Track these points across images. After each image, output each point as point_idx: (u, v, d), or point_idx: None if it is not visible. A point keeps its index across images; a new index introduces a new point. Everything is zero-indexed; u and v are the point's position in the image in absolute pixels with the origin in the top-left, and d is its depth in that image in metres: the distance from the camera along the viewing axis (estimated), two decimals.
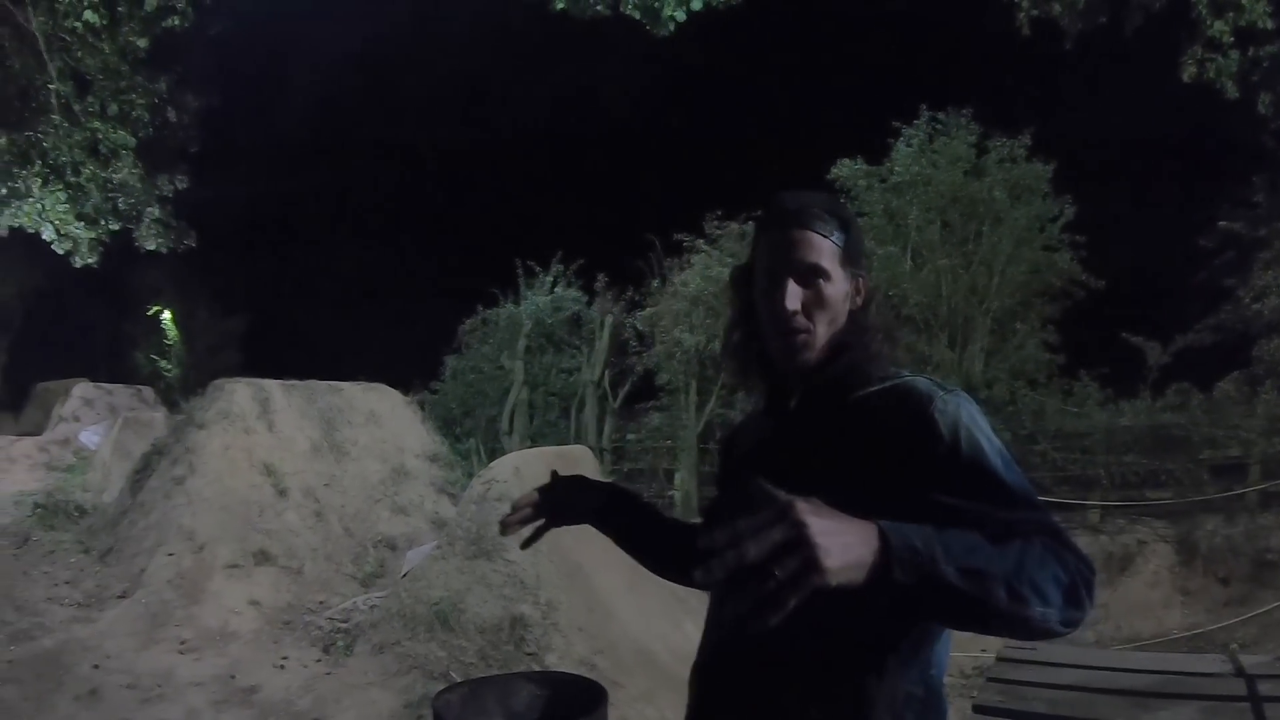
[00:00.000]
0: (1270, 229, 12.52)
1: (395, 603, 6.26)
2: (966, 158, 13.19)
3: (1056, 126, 13.75)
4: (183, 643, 6.17)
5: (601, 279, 15.66)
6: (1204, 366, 12.60)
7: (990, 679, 5.58)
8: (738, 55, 22.59)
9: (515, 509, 2.10)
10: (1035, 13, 9.34)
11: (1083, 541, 10.93)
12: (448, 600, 5.97)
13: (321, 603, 7.04)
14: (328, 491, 8.33)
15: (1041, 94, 15.48)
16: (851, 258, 1.74)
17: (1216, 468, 11.27)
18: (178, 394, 17.11)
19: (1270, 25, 8.50)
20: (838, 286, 1.71)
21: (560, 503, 2.19)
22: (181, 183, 11.87)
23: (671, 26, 7.83)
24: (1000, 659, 6.08)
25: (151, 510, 7.73)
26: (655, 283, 14.94)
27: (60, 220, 10.91)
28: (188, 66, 12.27)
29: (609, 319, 15.33)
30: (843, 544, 1.23)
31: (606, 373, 15.27)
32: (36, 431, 15.03)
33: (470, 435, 14.79)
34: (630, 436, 15.26)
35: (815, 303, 1.71)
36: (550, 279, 16.45)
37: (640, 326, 15.02)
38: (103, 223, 11.22)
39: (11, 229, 11.08)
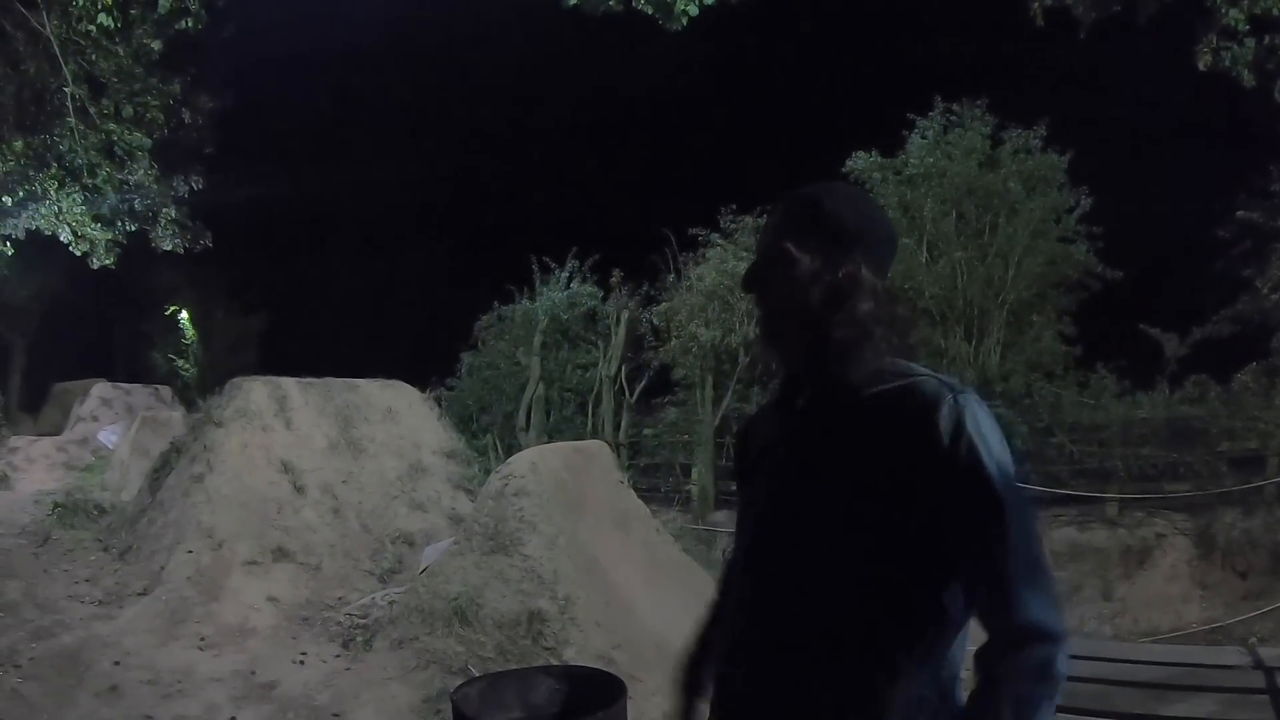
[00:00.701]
0: None
1: (413, 598, 6.29)
2: (981, 149, 13.14)
3: (1072, 117, 13.68)
4: (202, 639, 6.21)
5: (617, 274, 15.68)
6: (1222, 358, 12.52)
7: None
8: (751, 49, 22.54)
9: None
10: (1049, 2, 9.27)
11: (1101, 535, 10.93)
12: (466, 595, 5.99)
13: (340, 599, 7.07)
14: (345, 488, 8.36)
15: (1056, 84, 15.37)
16: (834, 244, 1.70)
17: (1235, 460, 11.21)
18: (195, 393, 17.20)
19: None
20: (813, 284, 1.69)
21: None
22: (197, 183, 11.91)
23: (684, 21, 7.80)
24: None
25: (170, 508, 7.77)
26: (670, 277, 14.95)
27: (77, 222, 10.98)
28: (201, 68, 12.31)
29: (624, 314, 15.33)
30: None
31: (622, 368, 15.28)
32: (55, 431, 15.16)
33: (487, 431, 14.83)
34: (647, 431, 15.28)
35: (784, 306, 1.73)
36: (566, 275, 16.50)
37: (656, 321, 15.03)
38: (119, 224, 11.29)
39: (29, 231, 11.16)
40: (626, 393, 15.34)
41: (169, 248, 12.00)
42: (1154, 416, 11.77)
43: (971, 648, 1.60)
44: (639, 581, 6.78)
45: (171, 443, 9.15)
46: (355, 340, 22.89)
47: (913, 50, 19.87)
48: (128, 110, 10.35)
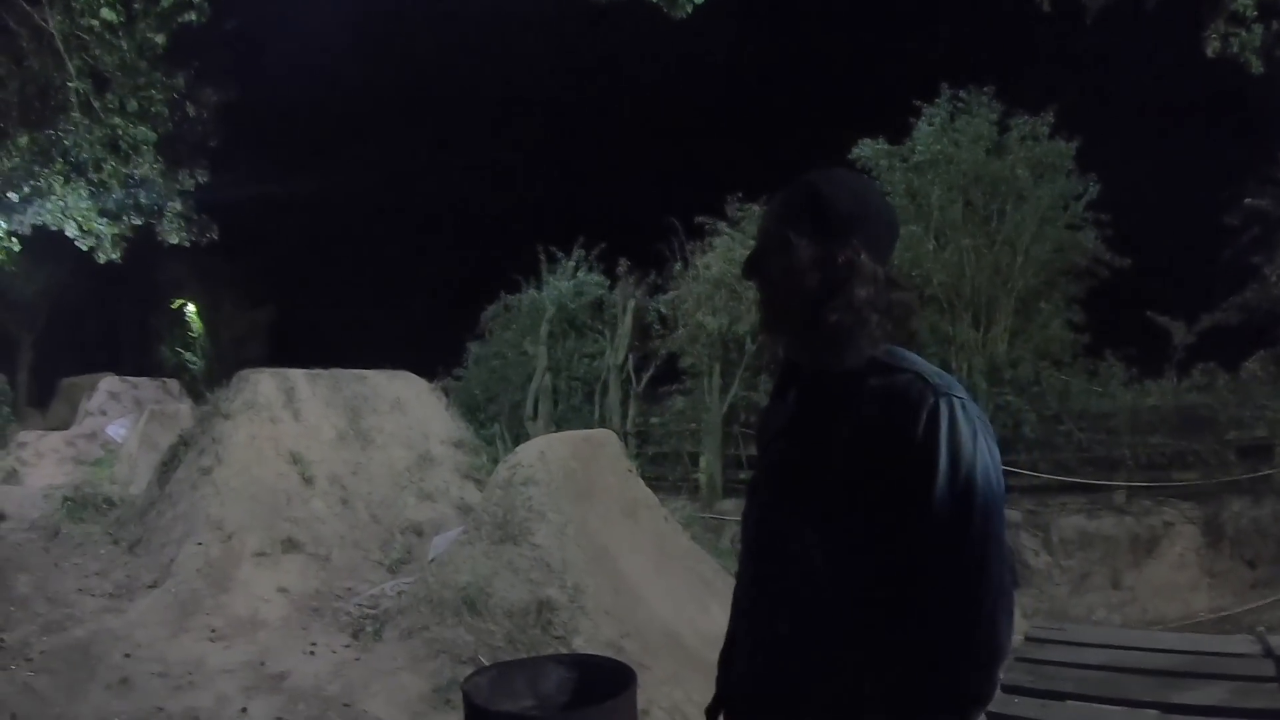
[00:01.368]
0: None
1: (423, 588, 6.30)
2: (989, 136, 13.08)
3: (1079, 104, 13.61)
4: (213, 631, 6.23)
5: (623, 263, 15.67)
6: (1230, 346, 12.48)
7: (1019, 659, 5.58)
8: (756, 37, 22.51)
9: None
10: None
11: (1109, 523, 10.92)
12: (475, 585, 6.00)
13: (349, 589, 7.10)
14: (354, 479, 8.38)
15: (1063, 71, 15.32)
16: (831, 230, 1.70)
17: (1243, 448, 11.18)
18: (203, 386, 17.22)
19: None
20: (809, 270, 1.70)
21: None
22: (202, 176, 11.90)
23: (689, 9, 7.79)
24: (1028, 639, 6.08)
25: (179, 501, 7.79)
26: (677, 266, 14.93)
27: (83, 217, 10.99)
28: (205, 61, 12.30)
29: (631, 303, 15.33)
30: None
31: (630, 357, 15.30)
32: (64, 426, 15.23)
33: (494, 421, 14.87)
34: (654, 420, 15.28)
35: (782, 292, 1.73)
36: (572, 264, 16.53)
37: (663, 310, 15.05)
38: (125, 218, 11.29)
39: (35, 227, 11.18)
40: (634, 382, 15.34)
41: (175, 241, 12.00)
42: (1162, 404, 11.73)
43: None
44: (648, 570, 6.79)
45: (180, 436, 9.18)
46: (362, 331, 22.94)
47: (919, 37, 19.85)
48: (132, 105, 10.33)
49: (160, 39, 10.13)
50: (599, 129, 25.12)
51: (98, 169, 10.46)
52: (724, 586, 7.03)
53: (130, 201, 11.18)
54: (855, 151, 13.74)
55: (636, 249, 15.70)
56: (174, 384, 17.51)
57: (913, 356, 1.68)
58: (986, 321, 12.92)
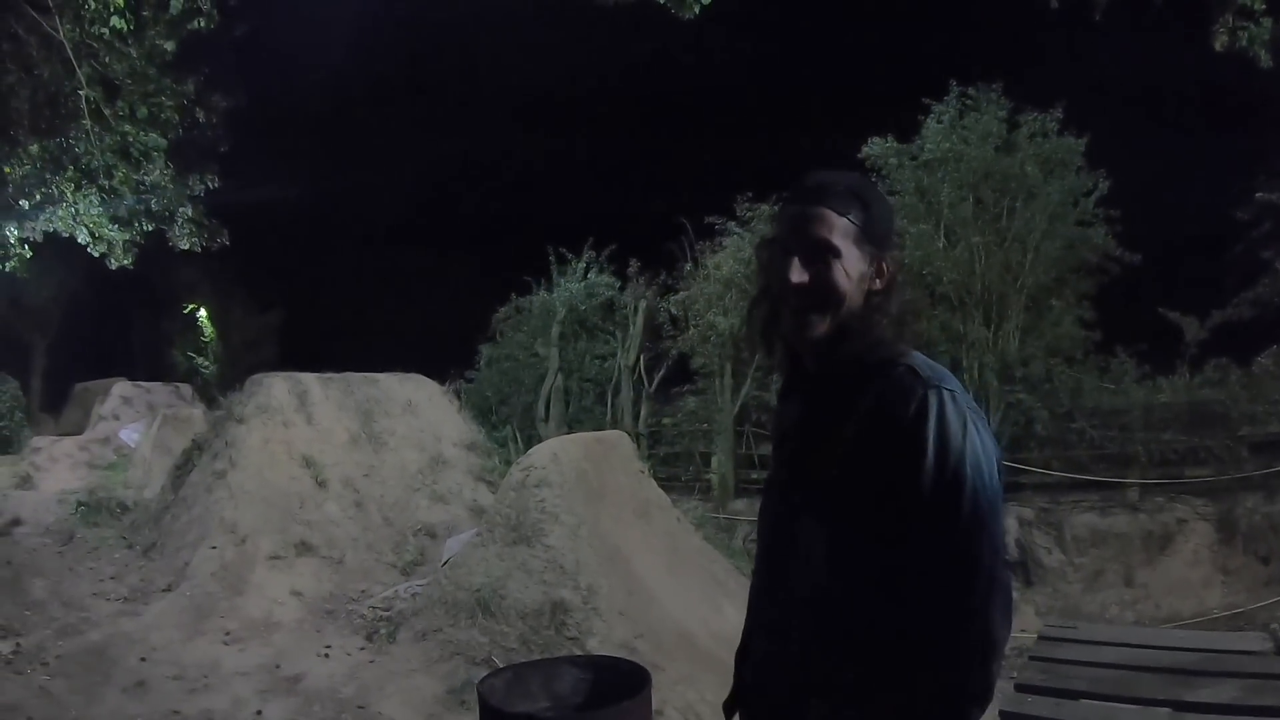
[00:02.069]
0: None
1: (436, 590, 6.32)
2: (998, 133, 13.05)
3: (1088, 100, 13.57)
4: (227, 634, 6.26)
5: (634, 264, 15.70)
6: (1242, 341, 12.43)
7: (1032, 658, 5.58)
8: (765, 37, 22.44)
9: None
10: None
11: (1122, 520, 10.88)
12: (488, 587, 6.01)
13: (363, 591, 7.12)
14: (367, 482, 8.41)
15: (1072, 66, 15.26)
16: (872, 238, 1.72)
17: (1256, 444, 11.12)
18: (216, 390, 17.28)
19: None
20: (851, 265, 1.70)
21: None
22: (213, 181, 11.94)
23: (696, 9, 7.79)
24: (1042, 638, 6.07)
25: (193, 505, 7.83)
26: (688, 266, 14.92)
27: (94, 223, 11.04)
28: (214, 67, 12.35)
29: (642, 304, 15.35)
30: None
31: (641, 357, 15.31)
32: (77, 431, 15.28)
33: (507, 423, 14.88)
34: (666, 420, 15.29)
35: (823, 279, 1.69)
36: (583, 265, 16.55)
37: (674, 310, 15.01)
38: (136, 224, 11.33)
39: (47, 233, 11.23)
40: (645, 382, 15.35)
41: (186, 246, 12.05)
42: (1174, 401, 11.69)
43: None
44: (661, 570, 6.80)
45: (193, 440, 9.22)
46: (374, 334, 22.98)
47: (927, 34, 19.79)
48: (142, 111, 10.39)
49: (169, 46, 10.19)
50: (607, 130, 25.08)
51: (109, 175, 10.52)
52: (737, 586, 7.03)
53: (141, 207, 11.22)
54: (865, 150, 13.73)
55: (647, 250, 15.73)
56: (186, 388, 17.55)
57: (911, 352, 1.70)
58: (998, 319, 12.89)
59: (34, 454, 13.12)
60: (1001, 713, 4.42)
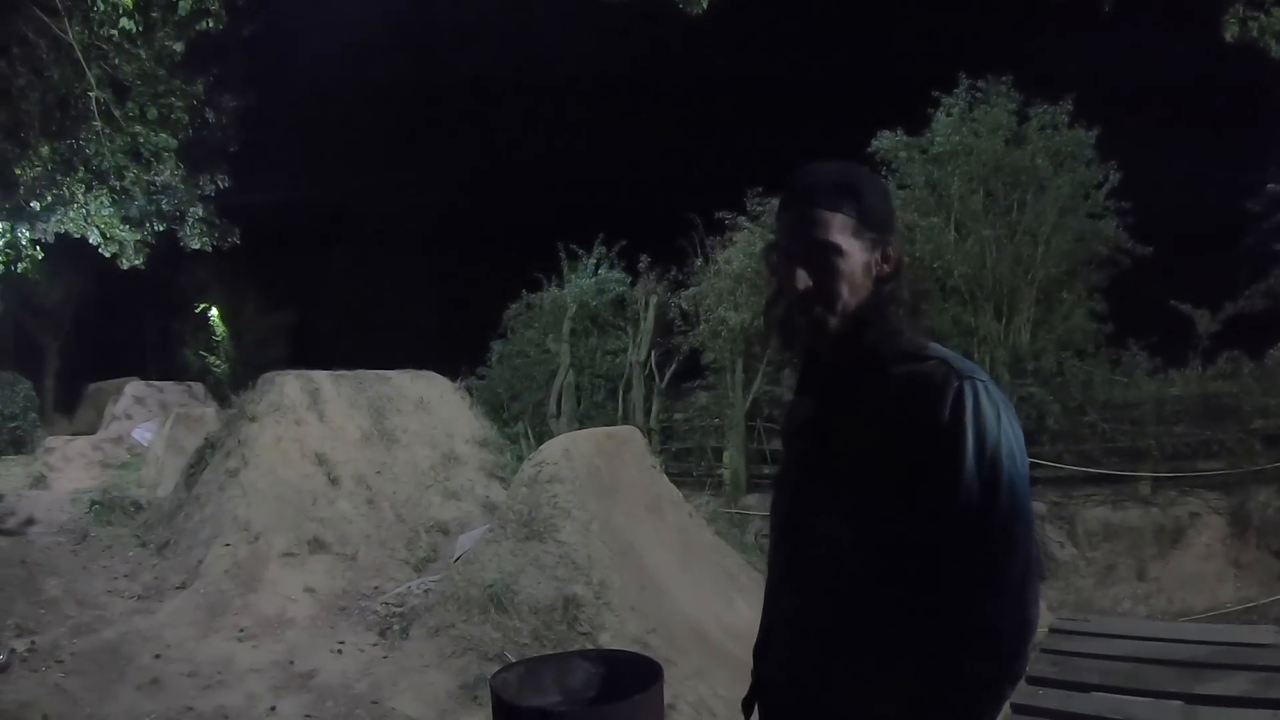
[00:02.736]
0: None
1: (449, 586, 6.34)
2: (1008, 126, 12.98)
3: (1098, 92, 13.49)
4: (241, 630, 6.30)
5: (644, 259, 15.64)
6: (1255, 333, 12.32)
7: (1044, 650, 5.57)
8: (773, 31, 22.44)
9: None
10: None
11: (1134, 514, 10.84)
12: (501, 582, 6.03)
13: (376, 588, 7.15)
14: (379, 479, 8.44)
15: (1082, 59, 15.19)
16: (871, 224, 1.73)
17: (1269, 437, 11.04)
18: (228, 389, 17.37)
19: None
20: (853, 259, 1.71)
21: None
22: (223, 181, 11.98)
23: (704, 4, 7.79)
24: (1053, 630, 6.06)
25: (206, 503, 7.87)
26: (698, 261, 14.87)
27: (106, 224, 11.11)
28: (223, 67, 12.38)
29: (653, 299, 15.33)
30: None
31: (652, 353, 15.29)
32: (90, 431, 15.38)
33: (518, 419, 14.91)
34: (678, 416, 15.27)
35: (827, 280, 1.71)
36: (593, 261, 16.54)
37: (684, 306, 14.96)
38: (147, 224, 11.39)
39: (58, 235, 11.30)
40: (656, 378, 15.33)
41: (197, 246, 12.09)
42: (1186, 394, 11.62)
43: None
44: (673, 565, 6.80)
45: (206, 438, 9.27)
46: (385, 332, 23.05)
47: (937, 27, 19.73)
48: (152, 112, 10.42)
49: (179, 47, 10.22)
50: (617, 125, 25.10)
51: (119, 176, 10.57)
52: (749, 581, 7.04)
53: (152, 208, 11.27)
54: (874, 144, 13.69)
55: (657, 245, 15.68)
56: (198, 387, 17.64)
57: (935, 345, 1.72)
58: (1009, 312, 12.84)
59: (48, 454, 13.20)
60: (1013, 705, 4.42)
